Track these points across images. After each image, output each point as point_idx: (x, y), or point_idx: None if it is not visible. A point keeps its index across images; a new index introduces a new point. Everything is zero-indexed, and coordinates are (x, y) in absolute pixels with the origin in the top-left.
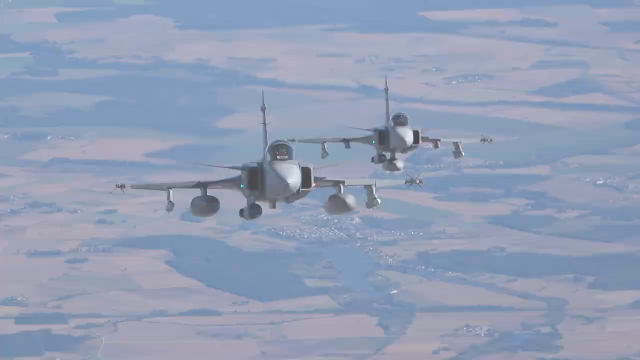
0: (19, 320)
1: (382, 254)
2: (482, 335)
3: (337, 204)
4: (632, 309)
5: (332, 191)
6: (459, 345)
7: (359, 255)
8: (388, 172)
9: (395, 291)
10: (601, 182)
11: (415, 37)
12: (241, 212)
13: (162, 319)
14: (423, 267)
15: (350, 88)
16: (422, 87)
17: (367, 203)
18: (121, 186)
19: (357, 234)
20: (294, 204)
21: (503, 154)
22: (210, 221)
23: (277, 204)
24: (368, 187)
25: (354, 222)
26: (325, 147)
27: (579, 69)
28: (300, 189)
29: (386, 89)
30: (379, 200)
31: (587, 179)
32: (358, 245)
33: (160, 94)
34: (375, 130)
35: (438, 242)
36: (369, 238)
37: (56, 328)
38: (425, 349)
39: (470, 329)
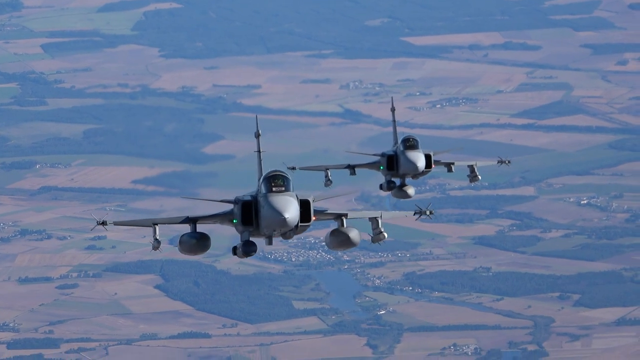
0: (10, 345)
1: (369, 275)
2: (469, 353)
3: (340, 240)
4: (617, 325)
5: (334, 224)
6: None
7: (346, 277)
8: (398, 199)
9: (383, 312)
10: (585, 201)
11: (399, 62)
12: (234, 250)
13: (152, 342)
14: (410, 288)
15: (336, 113)
16: (406, 111)
17: (372, 237)
18: (102, 223)
19: (345, 256)
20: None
21: (488, 176)
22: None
23: (274, 239)
24: (373, 220)
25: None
26: (329, 174)
27: (562, 91)
28: (299, 224)
29: (393, 109)
30: (385, 234)
31: (571, 199)
32: (345, 267)
33: (146, 121)
34: (383, 155)
35: (425, 263)
36: (357, 260)
37: (48, 353)
38: None
39: (458, 348)
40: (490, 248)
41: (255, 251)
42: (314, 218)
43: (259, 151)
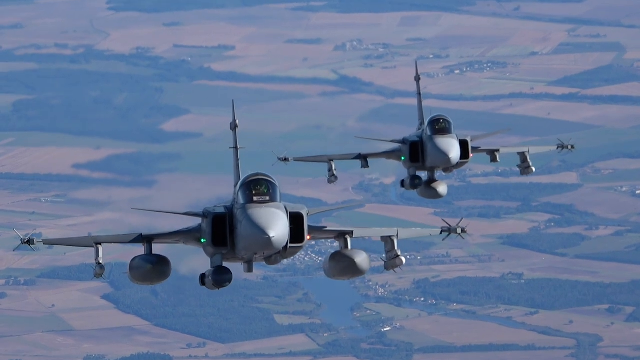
0: None
1: (371, 283)
2: None
3: (343, 266)
4: None
5: (334, 246)
6: None
7: (342, 285)
8: (427, 201)
9: (388, 328)
10: None
11: (407, 16)
12: (202, 278)
13: None
14: (422, 299)
15: (329, 80)
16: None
17: (385, 263)
18: (28, 242)
19: None
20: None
21: (519, 159)
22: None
23: (255, 265)
24: (387, 240)
25: (335, 244)
26: (334, 167)
27: (612, 53)
28: (288, 245)
29: (417, 79)
30: (403, 259)
31: (624, 188)
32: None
33: (91, 91)
34: (404, 141)
35: (440, 267)
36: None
37: None
38: None
39: None
40: (522, 249)
41: (229, 281)
42: (308, 237)
43: (235, 147)
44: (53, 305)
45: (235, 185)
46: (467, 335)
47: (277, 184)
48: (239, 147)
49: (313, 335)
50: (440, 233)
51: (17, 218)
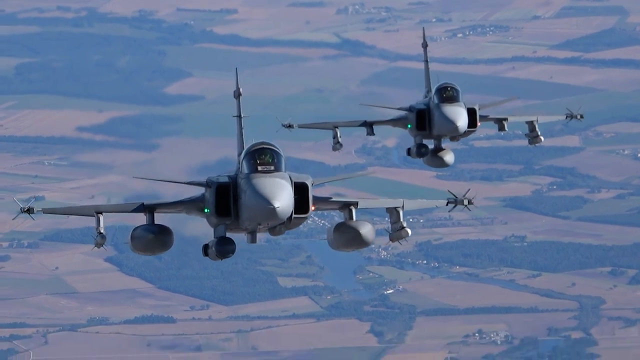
0: None
1: (373, 245)
2: (499, 342)
3: (347, 237)
4: None
5: (339, 217)
6: (470, 356)
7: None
8: (432, 168)
9: (390, 291)
10: None
11: None
12: (205, 249)
13: (102, 328)
14: (425, 262)
15: (331, 44)
16: (419, 42)
17: (390, 234)
18: (27, 210)
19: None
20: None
21: (519, 124)
22: None
23: (259, 235)
24: (392, 211)
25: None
26: (338, 134)
27: (614, 17)
28: (293, 215)
29: (424, 45)
30: (408, 231)
31: (626, 151)
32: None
33: (94, 53)
34: (411, 109)
35: (443, 230)
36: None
37: None
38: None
39: (484, 336)
40: (524, 212)
41: (233, 252)
42: (312, 208)
43: (239, 116)
44: (56, 268)
45: (239, 155)
46: (469, 297)
47: (282, 153)
48: (242, 115)
49: (316, 297)
50: (447, 204)
51: (20, 181)
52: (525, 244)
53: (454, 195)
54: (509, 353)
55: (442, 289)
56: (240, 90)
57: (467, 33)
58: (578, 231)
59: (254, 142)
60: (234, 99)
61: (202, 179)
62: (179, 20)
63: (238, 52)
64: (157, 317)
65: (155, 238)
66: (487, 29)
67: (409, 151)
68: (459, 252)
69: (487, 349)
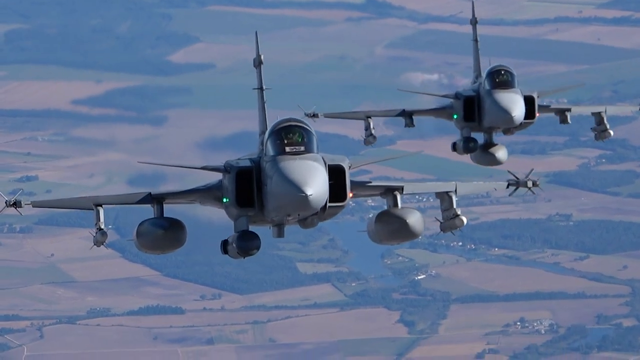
0: None
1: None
2: (543, 331)
3: (393, 228)
4: None
5: (381, 205)
6: (510, 347)
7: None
8: (482, 166)
9: (422, 276)
10: None
11: None
12: (224, 245)
13: (104, 320)
14: (460, 244)
15: (354, 5)
16: (452, 2)
17: (442, 223)
18: (14, 204)
19: (369, 200)
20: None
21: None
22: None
23: (287, 228)
24: (444, 197)
25: None
26: (372, 125)
27: None
28: (327, 204)
29: (474, 22)
30: (463, 219)
31: None
32: (370, 215)
33: (91, 18)
34: (457, 95)
35: (480, 209)
36: (385, 206)
37: None
38: (465, 351)
39: (527, 324)
40: (570, 188)
41: (257, 248)
42: (350, 195)
43: (260, 88)
44: (52, 255)
45: (262, 134)
46: (510, 283)
47: (312, 131)
48: (264, 87)
49: (340, 285)
50: (507, 187)
51: (12, 159)
52: (571, 223)
53: (515, 177)
54: (554, 343)
55: (479, 274)
56: (262, 57)
57: None
58: (629, 209)
59: (278, 119)
60: (252, 68)
61: (219, 163)
62: None
63: (251, 14)
64: (164, 308)
65: (166, 234)
66: None
67: (454, 146)
68: (498, 233)
69: (530, 339)
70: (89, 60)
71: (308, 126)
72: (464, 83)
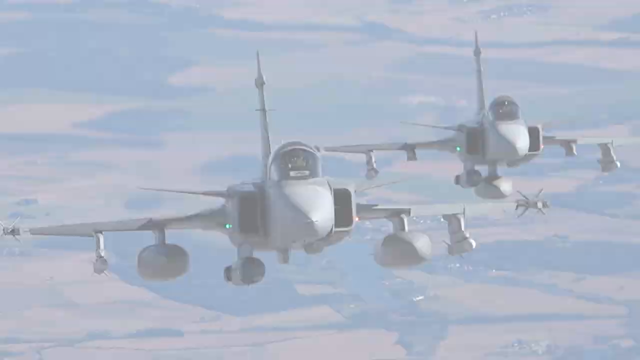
0: None
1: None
2: (540, 352)
3: (400, 252)
4: None
5: (379, 226)
6: None
7: (370, 250)
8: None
9: (420, 297)
10: None
11: None
12: (227, 272)
13: (103, 343)
14: (457, 265)
15: (353, 27)
16: (450, 24)
17: (449, 246)
18: (12, 232)
19: (367, 222)
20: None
21: (564, 111)
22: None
23: (291, 253)
24: (452, 219)
25: None
26: (373, 159)
27: None
28: (333, 229)
29: (477, 52)
30: (472, 243)
31: None
32: (368, 237)
33: (90, 41)
34: (460, 127)
35: (477, 230)
36: (383, 228)
37: None
38: None
39: (524, 345)
40: (567, 209)
41: (262, 275)
42: (356, 219)
43: (263, 110)
44: (51, 278)
45: (266, 157)
46: (507, 304)
47: (318, 154)
48: (267, 109)
49: (338, 306)
50: (516, 208)
51: (11, 183)
52: (569, 244)
53: (525, 197)
54: None
55: (476, 295)
56: (264, 77)
57: (503, 14)
58: (627, 229)
59: (282, 142)
60: (250, 90)
61: (218, 185)
62: (184, 4)
63: (249, 38)
64: (163, 330)
65: (168, 262)
66: (525, 9)
67: (457, 179)
68: (495, 255)
69: None
70: (88, 84)
71: (313, 150)
72: (461, 105)
